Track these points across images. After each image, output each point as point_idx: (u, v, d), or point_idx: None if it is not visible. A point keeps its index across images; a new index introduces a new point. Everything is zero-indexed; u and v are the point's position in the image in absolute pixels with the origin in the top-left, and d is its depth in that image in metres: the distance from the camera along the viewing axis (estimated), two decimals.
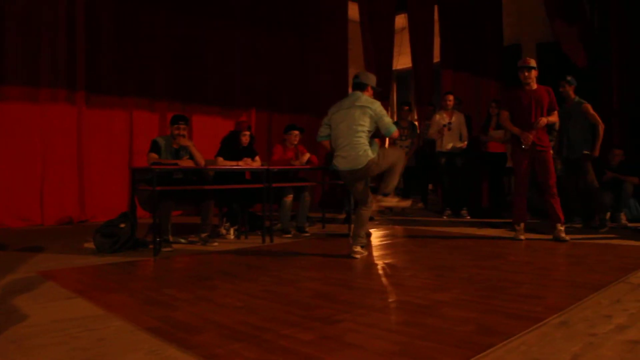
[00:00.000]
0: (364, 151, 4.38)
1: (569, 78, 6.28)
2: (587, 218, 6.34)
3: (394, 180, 4.57)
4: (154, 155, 5.13)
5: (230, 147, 5.86)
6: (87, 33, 7.41)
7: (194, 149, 5.34)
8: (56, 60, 7.15)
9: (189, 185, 5.31)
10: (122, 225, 4.81)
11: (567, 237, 5.20)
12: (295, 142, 6.32)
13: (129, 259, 4.42)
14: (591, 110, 6.13)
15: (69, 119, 7.28)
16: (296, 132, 6.32)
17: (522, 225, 5.44)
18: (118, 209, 6.44)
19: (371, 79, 4.68)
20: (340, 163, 4.51)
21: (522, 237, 5.38)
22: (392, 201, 4.70)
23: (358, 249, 4.51)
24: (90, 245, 4.85)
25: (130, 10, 7.87)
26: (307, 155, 6.27)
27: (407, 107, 8.37)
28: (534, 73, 5.34)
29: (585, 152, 6.14)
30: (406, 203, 4.87)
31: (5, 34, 6.77)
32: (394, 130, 4.48)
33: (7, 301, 2.95)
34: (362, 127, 4.39)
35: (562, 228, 5.28)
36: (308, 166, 6.29)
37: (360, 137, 4.40)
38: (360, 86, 4.63)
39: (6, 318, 2.60)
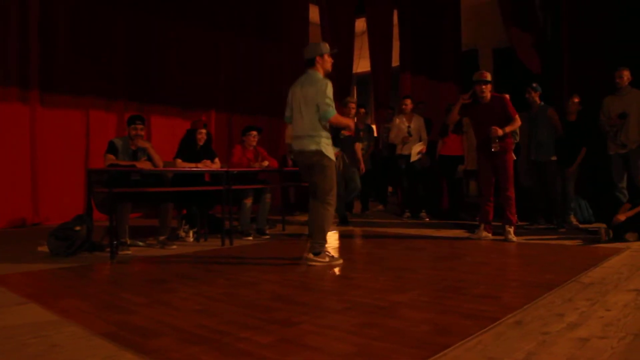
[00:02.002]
0: (317, 138, 4.14)
1: (534, 85, 6.50)
2: (549, 219, 6.53)
3: (322, 237, 4.21)
4: (111, 157, 5.04)
5: (189, 149, 5.78)
6: (41, 30, 7.21)
7: (152, 150, 5.27)
8: (7, 58, 6.92)
9: (146, 187, 5.22)
10: (78, 228, 4.70)
11: (515, 239, 5.38)
12: (254, 143, 6.30)
13: (85, 263, 4.32)
14: (555, 116, 6.35)
15: (21, 119, 7.06)
16: (254, 133, 6.30)
17: (482, 225, 5.64)
18: (73, 211, 6.27)
19: (317, 49, 4.28)
20: (295, 144, 4.29)
21: (482, 236, 5.59)
22: (321, 261, 4.17)
23: (310, 255, 4.20)
24: (44, 248, 4.71)
25: (87, 8, 7.70)
26: (266, 162, 6.24)
27: (363, 110, 8.42)
28: (489, 86, 5.54)
29: (553, 158, 6.36)
30: (338, 262, 4.22)
31: None
32: (331, 116, 4.10)
33: None
34: (314, 108, 4.13)
35: (511, 230, 5.46)
36: (268, 169, 6.28)
37: (313, 119, 4.14)
38: (308, 63, 4.30)
39: None
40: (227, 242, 5.39)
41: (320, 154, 4.16)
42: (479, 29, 10.35)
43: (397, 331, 2.37)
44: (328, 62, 4.32)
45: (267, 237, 5.95)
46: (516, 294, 3.12)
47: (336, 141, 7.15)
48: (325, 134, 4.20)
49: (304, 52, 4.35)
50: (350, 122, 4.44)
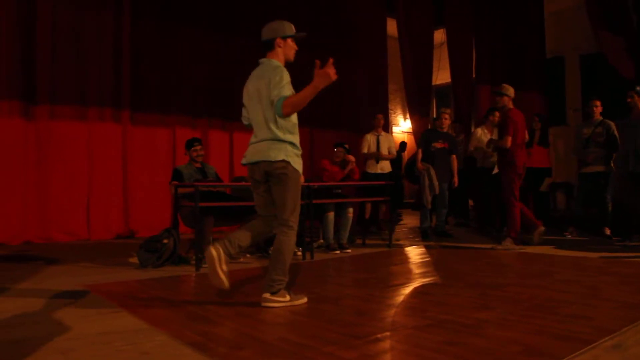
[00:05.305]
0: (281, 144, 3.16)
1: (638, 88, 6.13)
2: None
3: (282, 272, 3.23)
4: (175, 183, 5.30)
5: None
6: (132, 52, 7.68)
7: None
8: (103, 80, 7.42)
9: (230, 202, 5.38)
10: (165, 241, 4.89)
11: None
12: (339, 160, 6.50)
13: (172, 274, 4.48)
14: None
15: (114, 137, 7.51)
16: (340, 149, 6.57)
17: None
18: (161, 224, 6.56)
19: (279, 28, 3.38)
20: (249, 151, 3.33)
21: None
22: (281, 301, 3.18)
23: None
24: (134, 260, 4.95)
25: (172, 30, 8.09)
26: (352, 158, 6.46)
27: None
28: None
29: None
30: (302, 301, 3.28)
31: (57, 55, 7.04)
32: (282, 105, 3.07)
33: (54, 313, 3.03)
34: (270, 106, 3.19)
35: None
36: (348, 182, 6.32)
37: (272, 121, 3.19)
38: (265, 46, 3.38)
39: (54, 330, 2.67)
40: (307, 256, 5.43)
41: (284, 163, 3.16)
42: (565, 35, 9.95)
43: (484, 350, 2.28)
44: (291, 48, 3.47)
45: (349, 251, 5.92)
46: (612, 315, 2.92)
47: (427, 154, 7.07)
48: (290, 138, 3.22)
49: (261, 34, 3.42)
50: (312, 89, 3.23)
